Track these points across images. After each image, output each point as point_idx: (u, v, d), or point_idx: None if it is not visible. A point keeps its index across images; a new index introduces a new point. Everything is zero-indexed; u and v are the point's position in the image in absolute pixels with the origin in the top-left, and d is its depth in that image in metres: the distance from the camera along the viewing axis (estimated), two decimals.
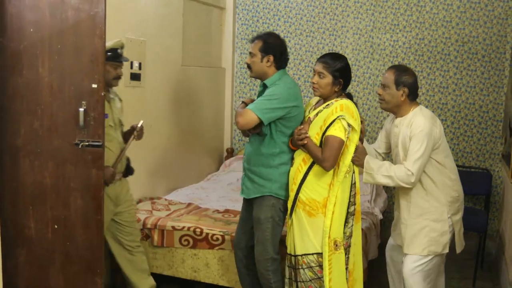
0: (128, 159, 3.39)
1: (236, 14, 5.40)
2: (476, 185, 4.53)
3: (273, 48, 2.97)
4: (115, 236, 3.32)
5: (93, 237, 2.78)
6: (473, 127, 4.73)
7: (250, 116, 2.87)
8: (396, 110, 2.94)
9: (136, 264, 3.42)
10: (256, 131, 2.97)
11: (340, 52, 5.02)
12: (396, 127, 2.95)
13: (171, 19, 4.39)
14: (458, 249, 3.07)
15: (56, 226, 2.82)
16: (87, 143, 2.72)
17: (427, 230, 2.88)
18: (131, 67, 3.83)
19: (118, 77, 3.18)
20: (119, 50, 3.14)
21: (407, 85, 2.88)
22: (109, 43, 3.08)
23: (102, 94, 2.67)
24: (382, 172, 2.83)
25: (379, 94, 2.93)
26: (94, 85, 2.68)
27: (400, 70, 2.91)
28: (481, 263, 4.29)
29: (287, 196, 3.02)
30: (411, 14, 4.82)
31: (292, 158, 3.05)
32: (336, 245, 2.76)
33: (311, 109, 2.95)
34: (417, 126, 2.80)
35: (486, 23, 4.61)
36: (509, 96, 4.19)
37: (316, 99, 2.99)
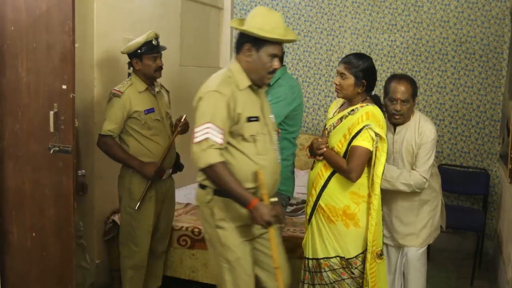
0: (177, 155, 3.37)
1: (234, 14, 5.39)
2: (474, 185, 4.54)
3: None
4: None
5: (64, 249, 2.63)
6: (470, 127, 4.73)
7: None
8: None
9: (153, 268, 3.40)
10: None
11: (338, 52, 5.04)
12: (397, 135, 2.97)
13: (169, 19, 4.39)
14: (444, 226, 3.29)
15: (34, 234, 2.68)
16: (57, 148, 2.55)
17: (431, 220, 3.06)
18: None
19: (160, 68, 3.19)
20: (153, 42, 3.14)
21: (417, 95, 2.99)
22: (141, 37, 3.12)
23: (71, 96, 2.50)
24: (400, 180, 2.91)
25: (397, 110, 2.89)
26: (64, 86, 2.50)
27: (413, 82, 2.94)
28: (479, 263, 4.29)
29: (288, 191, 3.05)
30: (409, 14, 4.82)
31: (293, 155, 3.07)
32: (380, 255, 2.75)
33: (335, 112, 2.85)
34: (429, 135, 2.90)
35: (483, 23, 4.61)
36: (506, 96, 4.20)
37: (340, 101, 2.89)
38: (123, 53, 3.18)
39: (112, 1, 3.67)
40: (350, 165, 2.62)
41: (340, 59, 2.82)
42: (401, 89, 2.87)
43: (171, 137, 3.24)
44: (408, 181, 2.89)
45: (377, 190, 2.63)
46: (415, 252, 3.05)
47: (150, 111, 3.14)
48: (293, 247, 3.33)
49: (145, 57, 3.11)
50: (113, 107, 3.07)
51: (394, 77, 2.96)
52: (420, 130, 2.91)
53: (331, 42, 5.10)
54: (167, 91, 3.42)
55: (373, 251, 2.67)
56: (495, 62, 4.61)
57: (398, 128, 2.98)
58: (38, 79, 2.58)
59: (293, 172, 3.11)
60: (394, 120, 2.94)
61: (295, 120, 3.03)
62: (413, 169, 2.94)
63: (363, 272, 2.71)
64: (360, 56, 2.74)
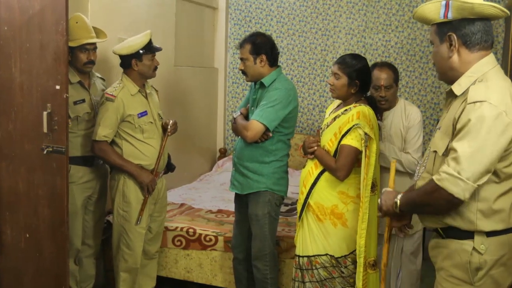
0: (169, 156, 3.35)
1: (228, 14, 5.39)
2: None
3: (263, 47, 3.00)
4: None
5: (58, 250, 2.62)
6: None
7: (258, 127, 2.92)
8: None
9: (147, 269, 3.38)
10: (267, 139, 2.99)
11: (332, 52, 5.04)
12: (384, 120, 3.05)
13: (164, 19, 4.38)
14: None
15: (27, 235, 2.67)
16: (51, 149, 2.54)
17: None
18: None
19: (156, 68, 3.19)
20: (151, 41, 3.14)
21: (399, 80, 3.09)
22: (141, 37, 3.11)
23: (65, 96, 2.49)
24: (392, 155, 2.97)
25: (382, 96, 2.97)
26: (57, 87, 2.49)
27: (394, 68, 3.03)
28: None
29: (281, 191, 3.06)
30: (403, 14, 4.83)
31: (287, 155, 3.09)
32: (373, 265, 2.73)
33: (331, 112, 2.88)
34: (416, 117, 3.01)
35: None
36: None
37: (337, 102, 2.92)
38: (122, 54, 3.09)
39: (106, 1, 3.67)
40: (338, 164, 2.66)
41: (334, 59, 2.84)
42: (383, 76, 2.95)
43: (163, 140, 3.20)
44: (399, 157, 2.95)
45: (367, 193, 2.62)
46: (410, 246, 3.07)
47: (143, 114, 3.10)
48: (288, 247, 3.33)
49: (145, 56, 3.09)
50: (107, 111, 3.00)
51: (376, 65, 3.04)
52: (407, 113, 3.02)
53: (325, 42, 5.10)
54: (156, 90, 3.39)
55: (364, 257, 2.62)
56: None
57: (384, 114, 3.06)
58: (31, 79, 2.57)
59: (286, 172, 3.12)
60: (380, 106, 3.01)
61: (290, 122, 3.04)
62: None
63: (354, 272, 2.70)
64: (354, 56, 2.78)
